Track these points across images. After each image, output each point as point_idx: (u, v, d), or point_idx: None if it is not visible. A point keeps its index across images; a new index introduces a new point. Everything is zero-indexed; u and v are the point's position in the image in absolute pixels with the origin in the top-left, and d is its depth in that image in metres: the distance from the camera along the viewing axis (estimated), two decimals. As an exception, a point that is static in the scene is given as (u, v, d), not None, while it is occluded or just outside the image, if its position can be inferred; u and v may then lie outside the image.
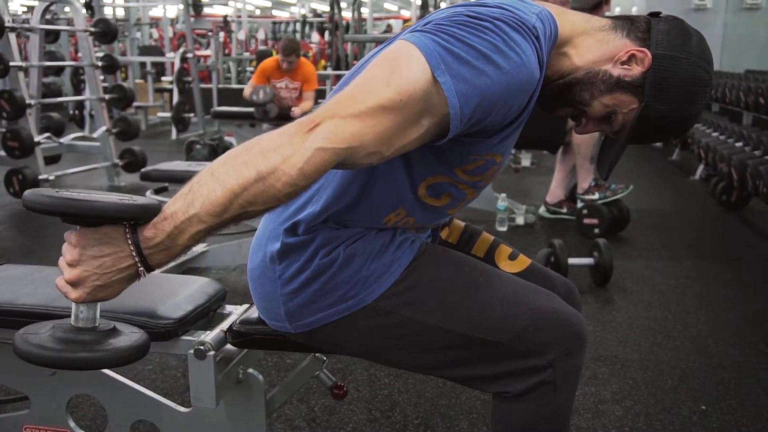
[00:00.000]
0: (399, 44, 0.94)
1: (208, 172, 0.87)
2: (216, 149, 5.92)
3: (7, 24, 4.56)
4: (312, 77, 5.69)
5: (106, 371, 1.34)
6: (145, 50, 10.44)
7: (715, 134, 5.22)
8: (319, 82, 5.97)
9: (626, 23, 1.08)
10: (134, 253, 0.87)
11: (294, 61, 5.54)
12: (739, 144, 4.58)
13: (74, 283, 0.88)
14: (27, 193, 0.88)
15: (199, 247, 3.20)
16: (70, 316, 0.93)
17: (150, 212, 0.88)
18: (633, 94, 1.05)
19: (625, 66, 1.05)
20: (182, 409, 1.35)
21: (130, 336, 0.94)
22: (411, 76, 0.89)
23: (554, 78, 1.08)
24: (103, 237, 0.88)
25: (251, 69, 12.60)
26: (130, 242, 0.87)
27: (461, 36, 0.91)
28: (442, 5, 11.53)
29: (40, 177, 4.67)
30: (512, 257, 1.32)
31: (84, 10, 5.82)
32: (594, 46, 1.07)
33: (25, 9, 16.29)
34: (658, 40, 1.05)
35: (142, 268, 0.88)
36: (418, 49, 0.90)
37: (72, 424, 1.39)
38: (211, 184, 0.86)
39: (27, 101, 4.65)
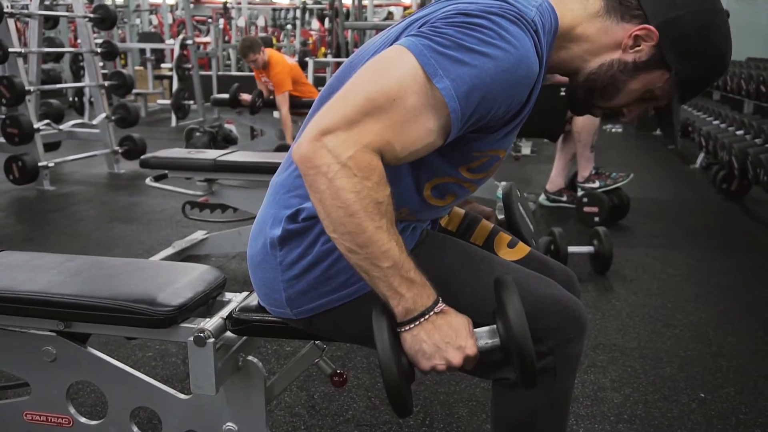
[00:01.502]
0: (392, 49, 0.95)
1: (347, 253, 0.94)
2: (215, 136, 5.91)
3: (6, 10, 4.54)
4: (278, 80, 5.46)
5: (105, 357, 1.34)
6: (144, 37, 10.40)
7: (715, 122, 5.22)
8: (318, 69, 5.91)
9: (617, 5, 1.06)
10: (422, 321, 0.95)
11: (257, 59, 5.42)
12: (739, 132, 4.57)
13: (464, 360, 0.96)
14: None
15: (199, 235, 3.21)
16: (69, 301, 0.93)
17: (387, 316, 0.96)
18: (657, 68, 1.05)
19: (635, 48, 1.04)
20: (182, 396, 1.35)
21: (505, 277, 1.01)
22: (398, 76, 0.91)
23: (564, 70, 1.09)
24: (415, 350, 0.96)
25: (251, 56, 12.55)
26: (413, 327, 0.95)
27: (457, 38, 0.91)
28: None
29: (40, 164, 4.67)
30: (511, 245, 1.32)
31: (83, -4, 5.78)
32: (596, 37, 1.06)
33: (24, -5, 16.20)
34: (652, 10, 1.03)
35: (436, 310, 0.96)
36: (412, 55, 0.91)
37: (72, 410, 1.40)
38: (360, 255, 0.92)
39: (26, 88, 4.64)
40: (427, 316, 0.94)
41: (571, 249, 2.93)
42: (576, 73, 1.10)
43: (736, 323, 2.49)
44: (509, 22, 0.93)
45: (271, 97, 5.65)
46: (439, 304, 0.96)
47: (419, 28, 0.96)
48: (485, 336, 0.98)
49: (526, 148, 6.09)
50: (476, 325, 1.07)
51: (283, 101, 5.46)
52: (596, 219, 3.68)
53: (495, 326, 0.97)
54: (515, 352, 0.92)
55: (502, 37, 0.91)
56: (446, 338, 0.95)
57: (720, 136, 4.57)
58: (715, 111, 5.43)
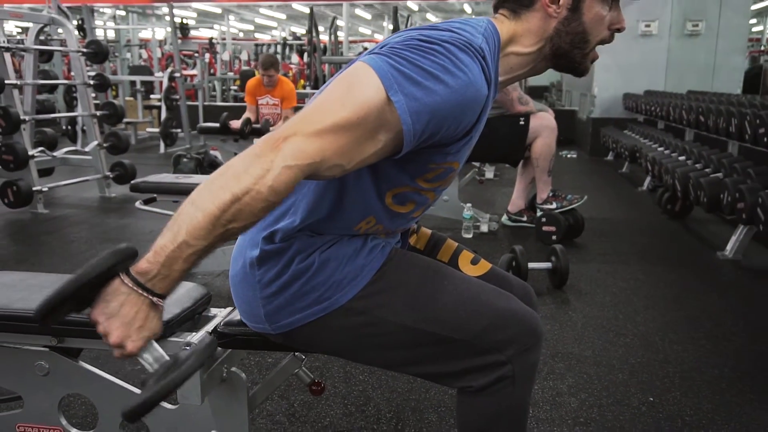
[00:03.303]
0: (356, 66, 0.96)
1: (189, 202, 0.88)
2: (202, 162, 5.88)
3: (2, 44, 4.50)
4: (290, 95, 5.62)
5: (96, 371, 1.33)
6: (134, 70, 10.34)
7: (660, 149, 5.32)
8: (298, 100, 5.93)
9: (509, 3, 1.10)
10: (139, 291, 0.88)
11: (273, 75, 5.45)
12: (682, 158, 4.66)
13: (120, 344, 0.89)
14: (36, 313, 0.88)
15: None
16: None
17: (124, 254, 0.88)
18: None
19: (559, 2, 1.07)
20: (169, 406, 1.33)
21: (200, 342, 0.93)
22: (365, 96, 0.91)
23: (530, 70, 1.12)
24: (107, 297, 0.88)
25: (235, 88, 12.56)
26: (130, 285, 0.88)
27: (413, 58, 0.92)
28: (413, 30, 11.59)
29: (34, 188, 4.60)
30: (474, 262, 1.33)
31: (76, 32, 5.75)
32: (526, 30, 1.09)
33: (20, 30, 16.03)
34: None
35: (154, 299, 0.89)
36: (373, 71, 0.92)
37: (64, 422, 1.37)
38: (193, 212, 0.86)
39: (22, 117, 4.58)
40: (145, 294, 0.88)
41: (531, 265, 2.96)
42: (544, 60, 1.12)
43: (681, 332, 2.53)
44: (459, 50, 0.95)
45: (257, 124, 5.62)
46: (162, 301, 0.90)
47: (380, 49, 0.98)
48: (152, 355, 0.92)
49: (489, 173, 6.14)
50: (436, 337, 1.08)
51: (290, 113, 5.53)
52: (554, 237, 3.72)
53: (168, 360, 0.92)
54: (145, 399, 0.85)
55: (453, 62, 0.93)
56: (132, 321, 0.88)
57: (664, 161, 4.66)
58: (660, 138, 5.54)
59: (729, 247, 3.60)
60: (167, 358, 0.92)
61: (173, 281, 0.89)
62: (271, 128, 5.30)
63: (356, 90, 0.92)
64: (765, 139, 3.46)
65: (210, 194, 0.87)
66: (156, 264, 0.87)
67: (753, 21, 14.11)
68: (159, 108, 8.69)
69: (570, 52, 1.10)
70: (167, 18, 9.14)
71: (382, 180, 1.06)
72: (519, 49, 1.10)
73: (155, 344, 0.92)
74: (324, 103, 0.93)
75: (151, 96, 9.81)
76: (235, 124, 5.45)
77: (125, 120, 7.48)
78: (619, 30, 1.12)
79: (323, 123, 0.89)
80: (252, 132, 5.46)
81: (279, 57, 13.05)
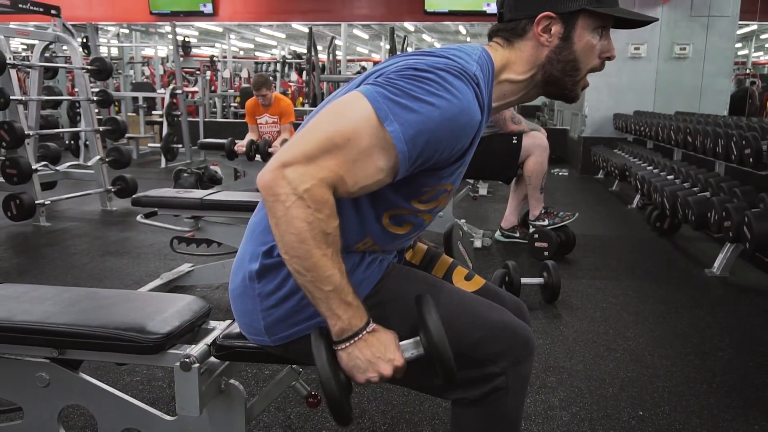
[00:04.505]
0: (350, 95, 0.97)
1: (296, 275, 0.95)
2: (202, 177, 5.88)
3: (8, 61, 4.50)
4: (288, 111, 5.61)
5: (96, 382, 1.32)
6: (137, 86, 10.37)
7: (649, 168, 5.35)
8: (297, 117, 5.93)
9: (504, 32, 1.11)
10: (355, 339, 0.97)
11: (267, 94, 5.44)
12: (670, 177, 4.69)
13: (394, 370, 0.98)
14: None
15: (186, 267, 3.18)
16: (63, 330, 0.93)
17: (324, 339, 0.98)
18: (577, 20, 1.07)
19: (551, 32, 1.07)
20: (168, 417, 1.33)
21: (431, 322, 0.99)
22: (353, 119, 0.93)
23: (523, 96, 1.13)
24: (350, 366, 0.98)
25: (235, 104, 12.60)
26: (348, 345, 0.97)
27: (407, 88, 0.94)
28: (409, 50, 11.69)
29: (37, 202, 4.60)
30: (468, 278, 1.33)
31: (81, 49, 5.77)
32: (519, 58, 1.10)
33: (25, 47, 16.08)
34: (525, 7, 1.08)
35: (368, 329, 0.98)
36: (367, 100, 0.94)
37: (63, 432, 1.36)
38: (307, 278, 0.94)
39: (26, 132, 4.58)
40: (360, 335, 0.96)
41: (524, 280, 2.96)
42: (536, 87, 1.13)
43: (669, 347, 2.53)
44: (453, 77, 0.96)
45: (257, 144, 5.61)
46: (371, 324, 0.98)
47: (375, 78, 0.99)
48: (410, 347, 1.00)
49: (483, 189, 6.17)
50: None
51: (288, 128, 5.49)
52: (546, 253, 3.72)
53: (418, 338, 0.99)
54: (437, 358, 0.95)
55: (446, 89, 0.94)
56: (377, 353, 0.96)
57: (653, 180, 4.68)
58: (649, 158, 5.57)
59: (716, 264, 3.61)
60: (416, 338, 1.00)
61: (358, 308, 0.97)
62: (270, 149, 5.30)
63: (345, 114, 0.94)
64: (750, 160, 3.49)
65: (299, 257, 0.93)
66: (338, 319, 0.95)
67: (738, 45, 14.26)
68: (160, 123, 8.70)
69: (561, 79, 1.11)
70: (170, 36, 9.18)
71: (378, 201, 1.07)
72: (512, 77, 1.11)
73: (402, 344, 1.01)
74: (314, 126, 0.95)
75: (153, 112, 9.83)
76: (241, 148, 5.43)
77: (127, 135, 7.47)
78: (609, 58, 1.13)
79: (313, 143, 0.92)
80: (256, 151, 5.44)
81: (278, 75, 13.10)
